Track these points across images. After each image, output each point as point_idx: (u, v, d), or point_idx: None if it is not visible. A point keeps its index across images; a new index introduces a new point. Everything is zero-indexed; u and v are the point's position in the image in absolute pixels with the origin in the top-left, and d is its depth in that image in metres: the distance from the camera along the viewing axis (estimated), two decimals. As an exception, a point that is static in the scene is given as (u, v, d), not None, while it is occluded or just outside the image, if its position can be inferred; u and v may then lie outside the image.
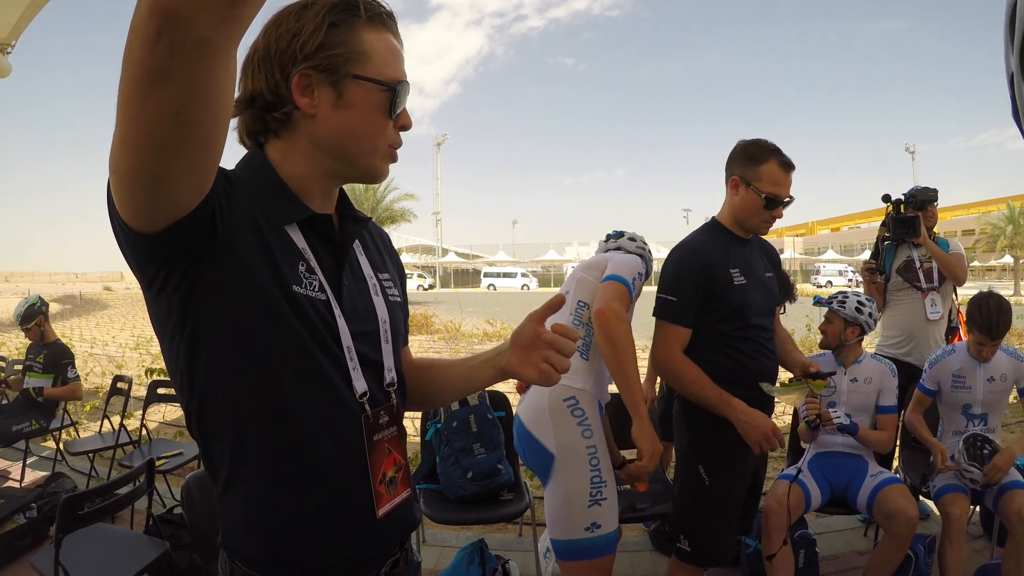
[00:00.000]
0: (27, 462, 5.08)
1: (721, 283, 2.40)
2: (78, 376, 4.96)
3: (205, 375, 0.99)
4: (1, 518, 3.64)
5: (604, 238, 2.77)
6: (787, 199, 2.45)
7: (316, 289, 1.03)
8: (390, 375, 1.17)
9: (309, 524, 1.05)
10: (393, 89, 1.05)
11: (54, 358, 4.92)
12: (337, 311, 1.06)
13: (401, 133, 1.13)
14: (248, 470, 1.03)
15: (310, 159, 1.07)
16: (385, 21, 1.07)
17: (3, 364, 6.50)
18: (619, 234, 2.73)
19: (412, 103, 1.14)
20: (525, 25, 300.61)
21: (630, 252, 2.60)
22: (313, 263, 1.05)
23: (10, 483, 4.95)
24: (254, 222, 0.99)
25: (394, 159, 1.13)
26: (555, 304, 1.18)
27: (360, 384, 1.09)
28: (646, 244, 2.72)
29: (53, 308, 30.59)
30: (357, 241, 1.20)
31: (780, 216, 2.48)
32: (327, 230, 1.10)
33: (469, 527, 3.85)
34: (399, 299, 1.26)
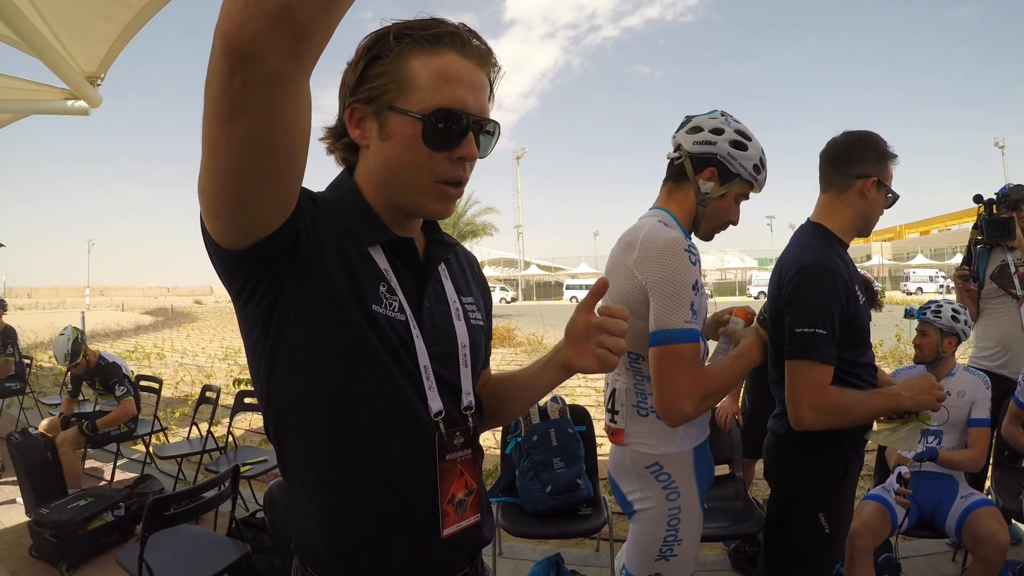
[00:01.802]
0: (117, 463, 5.32)
1: (853, 304, 2.03)
2: (128, 391, 4.96)
3: (283, 384, 1.03)
4: (90, 515, 3.82)
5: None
6: None
7: (396, 309, 1.05)
8: (468, 398, 1.17)
9: (374, 535, 1.05)
10: (427, 119, 1.00)
11: (105, 379, 5.01)
12: (416, 331, 1.07)
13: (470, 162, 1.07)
14: (319, 478, 1.05)
15: (374, 187, 1.09)
16: (443, 41, 1.02)
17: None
18: (686, 121, 1.98)
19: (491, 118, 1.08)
20: (599, 36, 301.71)
21: (707, 148, 1.89)
22: (394, 284, 1.07)
23: (100, 483, 5.20)
24: (338, 242, 1.02)
25: (448, 196, 1.05)
26: (599, 289, 1.18)
27: (436, 403, 1.09)
28: (724, 125, 1.90)
29: (146, 320, 32.24)
30: (443, 265, 1.21)
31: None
32: (409, 253, 1.11)
33: (546, 541, 3.79)
34: (482, 323, 1.26)
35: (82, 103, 4.30)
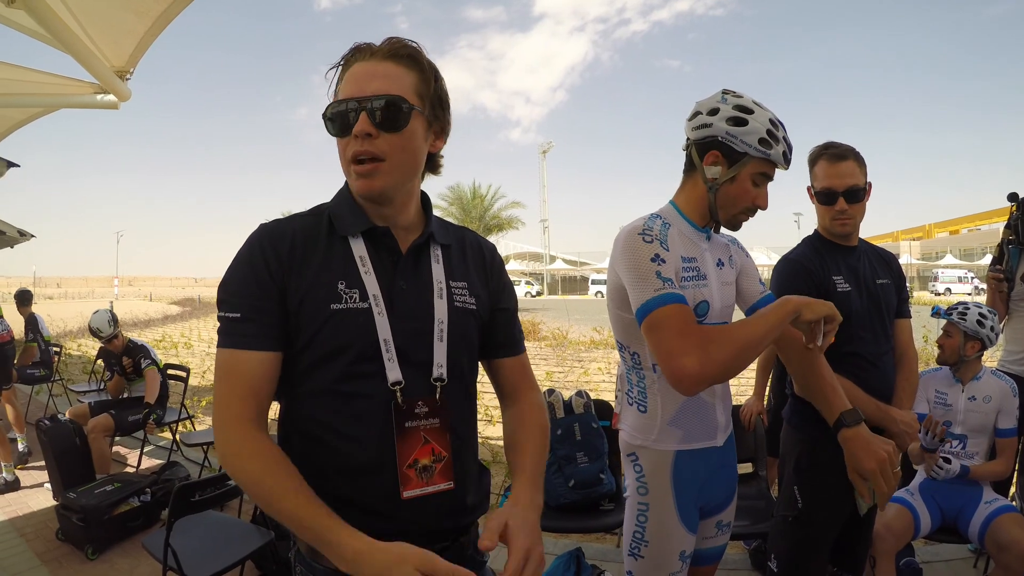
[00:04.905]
0: (144, 450, 5.42)
1: (823, 291, 2.28)
2: (152, 362, 5.12)
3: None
4: (117, 500, 3.89)
5: None
6: (848, 188, 2.31)
7: (356, 300, 1.21)
8: (439, 370, 1.26)
9: (344, 499, 1.16)
10: (324, 116, 1.24)
11: (135, 360, 5.14)
12: (379, 310, 1.21)
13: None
14: (294, 451, 1.20)
15: None
16: (352, 58, 1.24)
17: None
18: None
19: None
20: (629, 29, 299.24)
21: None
22: (363, 269, 1.23)
23: (127, 469, 5.31)
24: (300, 271, 1.20)
25: (358, 172, 1.21)
26: None
27: (394, 374, 1.21)
28: (720, 104, 1.78)
29: (173, 310, 32.71)
30: (438, 250, 1.35)
31: (844, 208, 2.32)
32: (385, 240, 1.28)
33: (568, 535, 3.78)
34: (472, 307, 1.36)
35: (111, 97, 4.35)
